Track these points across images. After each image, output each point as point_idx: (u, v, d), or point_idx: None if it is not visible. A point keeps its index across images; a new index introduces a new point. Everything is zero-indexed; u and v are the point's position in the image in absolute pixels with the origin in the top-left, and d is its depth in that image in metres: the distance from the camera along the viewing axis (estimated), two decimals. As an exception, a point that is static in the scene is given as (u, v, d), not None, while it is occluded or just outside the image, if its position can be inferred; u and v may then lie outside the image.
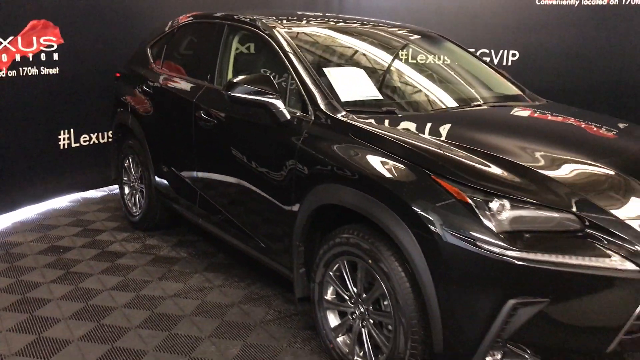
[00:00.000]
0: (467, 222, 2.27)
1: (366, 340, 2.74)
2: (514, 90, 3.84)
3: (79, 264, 4.15)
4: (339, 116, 2.93)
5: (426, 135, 2.73)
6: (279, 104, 3.11)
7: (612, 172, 2.61)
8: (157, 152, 4.34)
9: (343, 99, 3.06)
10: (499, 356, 2.34)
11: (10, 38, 4.80)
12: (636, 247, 2.25)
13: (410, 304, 2.46)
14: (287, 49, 3.32)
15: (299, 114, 3.10)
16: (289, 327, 3.37)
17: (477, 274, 2.26)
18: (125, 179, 4.91)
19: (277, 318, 3.46)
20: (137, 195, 4.79)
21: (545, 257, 2.19)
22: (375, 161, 2.63)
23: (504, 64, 7.11)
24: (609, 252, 2.24)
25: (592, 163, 2.67)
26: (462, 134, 2.80)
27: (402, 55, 3.81)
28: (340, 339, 2.89)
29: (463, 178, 2.37)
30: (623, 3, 6.37)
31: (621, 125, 3.38)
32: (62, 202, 5.49)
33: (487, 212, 2.27)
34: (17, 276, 3.92)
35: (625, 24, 6.38)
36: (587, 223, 2.29)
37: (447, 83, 3.70)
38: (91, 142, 5.65)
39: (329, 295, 2.93)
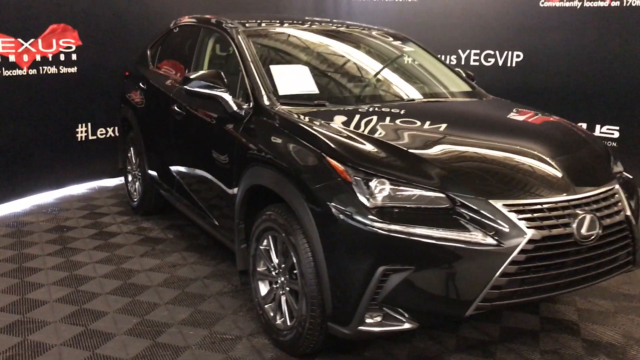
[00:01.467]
0: (346, 198, 2.59)
1: (283, 306, 3.08)
2: (463, 87, 4.07)
3: (76, 241, 4.66)
4: (272, 107, 3.29)
5: (335, 124, 3.05)
6: (226, 96, 3.50)
7: (501, 157, 2.88)
8: (149, 143, 4.82)
9: (281, 92, 3.42)
10: (379, 318, 2.64)
11: (31, 40, 5.38)
12: (497, 224, 2.51)
13: (311, 272, 2.77)
14: (243, 48, 3.71)
15: (245, 105, 3.47)
16: (239, 298, 3.73)
17: (354, 244, 2.57)
18: (129, 167, 5.41)
19: (231, 291, 3.84)
20: (137, 183, 5.27)
21: (409, 229, 2.48)
22: (287, 145, 2.99)
23: (509, 65, 7.26)
24: (471, 227, 2.50)
25: (483, 148, 2.94)
26: (371, 125, 3.09)
27: (355, 54, 4.12)
28: (267, 306, 3.23)
29: (350, 160, 2.69)
30: (624, 5, 6.44)
31: (547, 119, 3.58)
32: (79, 189, 6.06)
33: (365, 190, 2.58)
34: (20, 249, 4.46)
35: (627, 25, 6.44)
36: (457, 202, 2.56)
37: (393, 80, 3.98)
38: (107, 135, 6.20)
39: (261, 267, 3.28)
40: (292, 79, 3.53)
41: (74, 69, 5.78)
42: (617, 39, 6.48)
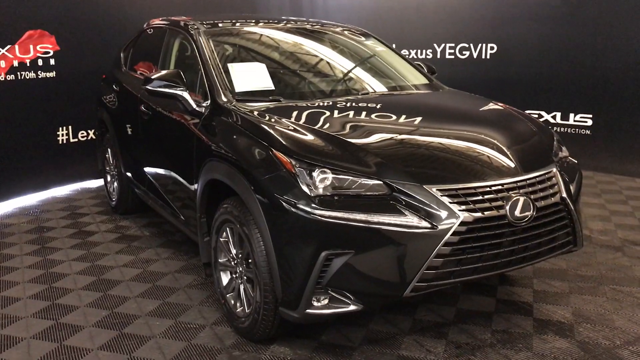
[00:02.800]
0: (290, 188, 2.72)
1: (242, 294, 3.21)
2: (421, 80, 4.18)
3: (55, 240, 4.79)
4: (227, 104, 3.42)
5: (285, 119, 3.17)
6: (185, 95, 3.62)
7: (440, 143, 3.01)
8: (123, 144, 4.94)
9: (237, 89, 3.55)
10: (325, 301, 2.76)
11: (8, 47, 5.52)
12: (431, 208, 2.63)
13: (263, 260, 2.90)
14: (202, 47, 3.83)
15: (204, 103, 3.60)
16: (207, 290, 3.86)
17: (299, 231, 2.69)
18: (107, 168, 5.54)
19: (200, 284, 3.97)
20: (115, 183, 5.40)
21: (347, 215, 2.60)
22: (239, 140, 3.12)
23: (483, 57, 7.37)
24: (406, 212, 2.63)
25: (425, 136, 3.09)
26: (320, 118, 3.22)
27: (313, 49, 4.25)
28: (229, 295, 3.36)
29: (295, 152, 2.81)
30: (593, -6, 6.54)
31: (493, 108, 3.70)
32: (62, 191, 6.19)
33: (308, 179, 2.70)
34: (-2, 250, 4.61)
35: (597, 15, 6.56)
36: (395, 188, 2.68)
37: (349, 75, 4.10)
38: (88, 138, 6.34)
39: (222, 259, 3.40)
40: (249, 76, 3.65)
41: (52, 74, 5.92)
42: (587, 29, 6.61)
